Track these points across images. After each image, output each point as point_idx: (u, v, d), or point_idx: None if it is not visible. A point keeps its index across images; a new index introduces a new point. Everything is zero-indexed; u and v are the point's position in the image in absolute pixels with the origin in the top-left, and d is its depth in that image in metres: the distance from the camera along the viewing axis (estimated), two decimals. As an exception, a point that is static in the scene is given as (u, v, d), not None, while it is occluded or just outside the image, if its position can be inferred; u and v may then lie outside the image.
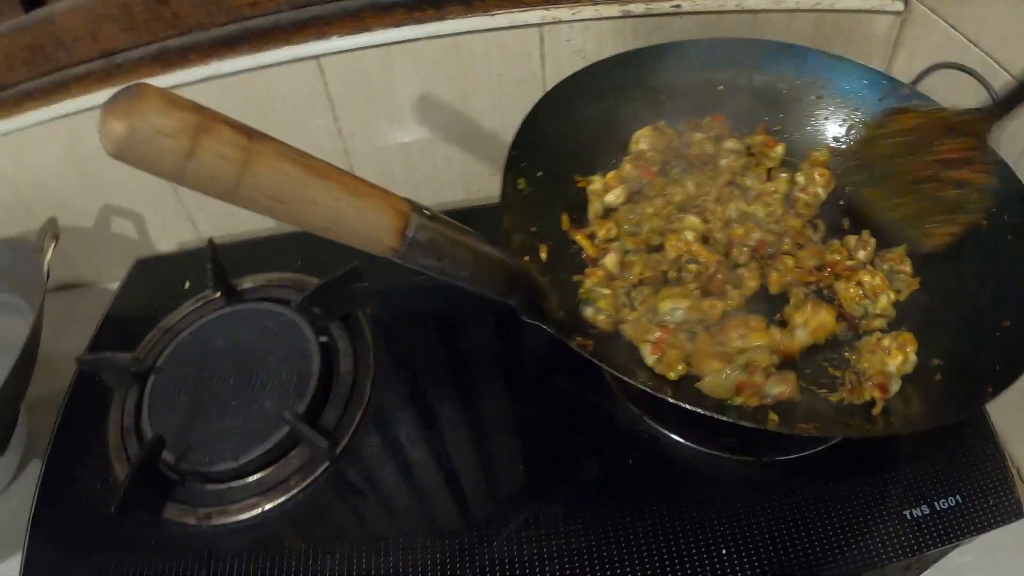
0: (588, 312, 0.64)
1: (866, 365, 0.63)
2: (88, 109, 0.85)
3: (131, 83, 0.36)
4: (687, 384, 0.61)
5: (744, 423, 0.53)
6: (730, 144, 0.75)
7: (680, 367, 0.61)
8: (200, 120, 0.36)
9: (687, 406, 0.53)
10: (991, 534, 0.62)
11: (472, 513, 0.65)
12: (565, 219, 0.71)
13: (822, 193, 0.73)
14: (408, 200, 0.45)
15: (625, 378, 0.53)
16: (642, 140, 0.73)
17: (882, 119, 0.70)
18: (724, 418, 0.53)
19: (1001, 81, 0.69)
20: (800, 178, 0.73)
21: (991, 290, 0.63)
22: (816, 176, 0.73)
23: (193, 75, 0.83)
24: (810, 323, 0.63)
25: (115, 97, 0.35)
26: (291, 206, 0.41)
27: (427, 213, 0.46)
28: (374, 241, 0.44)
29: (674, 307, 0.63)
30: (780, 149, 0.76)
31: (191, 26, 0.81)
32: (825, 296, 0.68)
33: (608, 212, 0.72)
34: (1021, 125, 0.69)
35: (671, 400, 0.53)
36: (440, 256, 0.46)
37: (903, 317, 0.67)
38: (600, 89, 0.74)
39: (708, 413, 0.53)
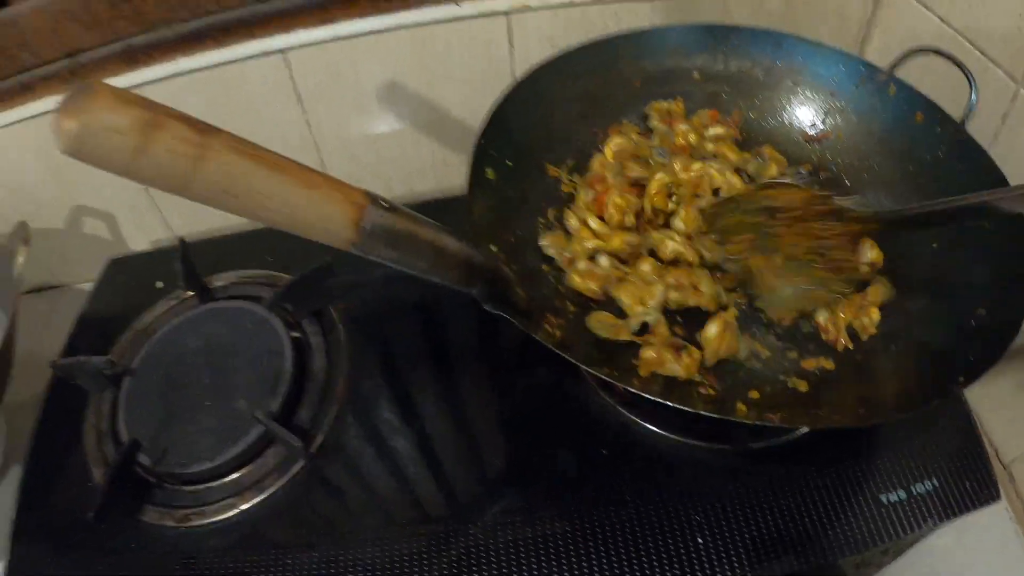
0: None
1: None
2: (55, 110, 0.84)
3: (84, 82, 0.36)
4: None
5: (708, 414, 0.52)
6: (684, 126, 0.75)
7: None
8: (151, 116, 0.37)
9: (651, 397, 0.52)
10: (968, 516, 0.62)
11: (448, 504, 0.65)
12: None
13: None
14: (365, 191, 0.45)
15: (591, 370, 0.53)
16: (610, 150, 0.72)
17: (766, 188, 0.67)
18: (689, 409, 0.51)
19: (975, 63, 0.68)
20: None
21: (966, 278, 0.62)
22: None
23: (159, 72, 0.82)
24: None
25: (68, 95, 0.35)
26: (244, 200, 0.41)
27: (384, 204, 0.45)
28: (330, 233, 0.44)
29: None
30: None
31: (155, 22, 0.80)
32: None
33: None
34: (992, 106, 0.69)
35: (634, 390, 0.52)
36: (398, 247, 0.46)
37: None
38: (571, 76, 0.73)
39: (674, 404, 0.51)
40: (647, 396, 0.51)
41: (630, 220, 0.67)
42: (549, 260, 0.67)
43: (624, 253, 0.66)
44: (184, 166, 0.38)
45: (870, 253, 0.67)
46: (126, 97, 0.36)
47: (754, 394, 0.58)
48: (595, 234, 0.66)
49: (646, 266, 0.64)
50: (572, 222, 0.68)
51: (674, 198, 0.68)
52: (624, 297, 0.62)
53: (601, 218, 0.67)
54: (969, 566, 0.71)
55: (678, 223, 0.67)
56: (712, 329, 0.61)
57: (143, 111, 0.36)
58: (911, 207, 0.61)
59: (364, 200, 0.44)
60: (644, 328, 0.63)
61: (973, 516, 0.62)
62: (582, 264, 0.65)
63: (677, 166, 0.70)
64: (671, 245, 0.65)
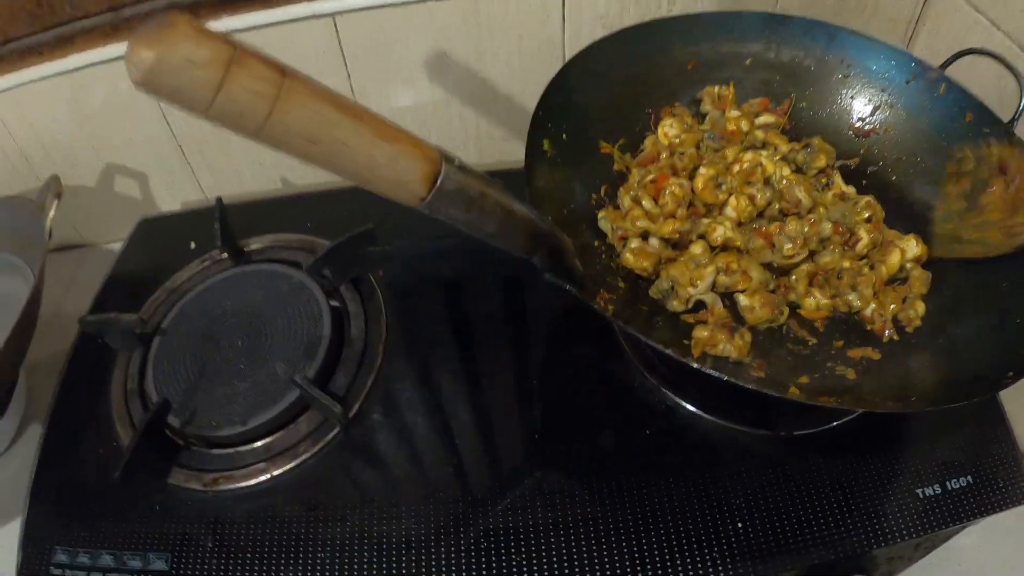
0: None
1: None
2: (93, 64, 0.83)
3: (162, 12, 0.35)
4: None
5: (766, 391, 0.52)
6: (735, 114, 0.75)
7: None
8: (232, 52, 0.35)
9: (709, 371, 0.52)
10: (994, 517, 0.62)
11: (483, 481, 0.64)
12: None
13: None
14: (440, 149, 0.44)
15: (650, 341, 0.52)
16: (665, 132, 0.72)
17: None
18: (746, 384, 0.52)
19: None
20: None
21: (1014, 280, 0.62)
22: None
23: (202, 31, 0.80)
24: None
25: (145, 25, 0.33)
26: (321, 146, 0.40)
27: (457, 163, 0.45)
28: (403, 189, 0.43)
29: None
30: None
31: (202, -21, 0.79)
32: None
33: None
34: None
35: (694, 365, 0.52)
36: (468, 208, 0.45)
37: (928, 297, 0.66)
38: (626, 55, 0.73)
39: (729, 379, 0.52)
40: (706, 371, 0.51)
41: (683, 212, 0.67)
42: (602, 236, 0.67)
43: (674, 239, 0.66)
44: (262, 107, 0.37)
45: (914, 248, 0.67)
46: (207, 30, 0.34)
47: (803, 379, 0.59)
48: (647, 215, 0.66)
49: (698, 248, 0.64)
50: (624, 200, 0.68)
51: (723, 187, 0.68)
52: (675, 276, 0.62)
53: (654, 199, 0.67)
54: (993, 566, 0.72)
55: (729, 211, 0.67)
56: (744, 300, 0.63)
57: (224, 45, 0.35)
58: None
59: (440, 158, 0.44)
60: (697, 308, 0.63)
61: (997, 518, 0.62)
62: (635, 243, 0.64)
63: (729, 154, 0.70)
64: (720, 231, 0.65)
